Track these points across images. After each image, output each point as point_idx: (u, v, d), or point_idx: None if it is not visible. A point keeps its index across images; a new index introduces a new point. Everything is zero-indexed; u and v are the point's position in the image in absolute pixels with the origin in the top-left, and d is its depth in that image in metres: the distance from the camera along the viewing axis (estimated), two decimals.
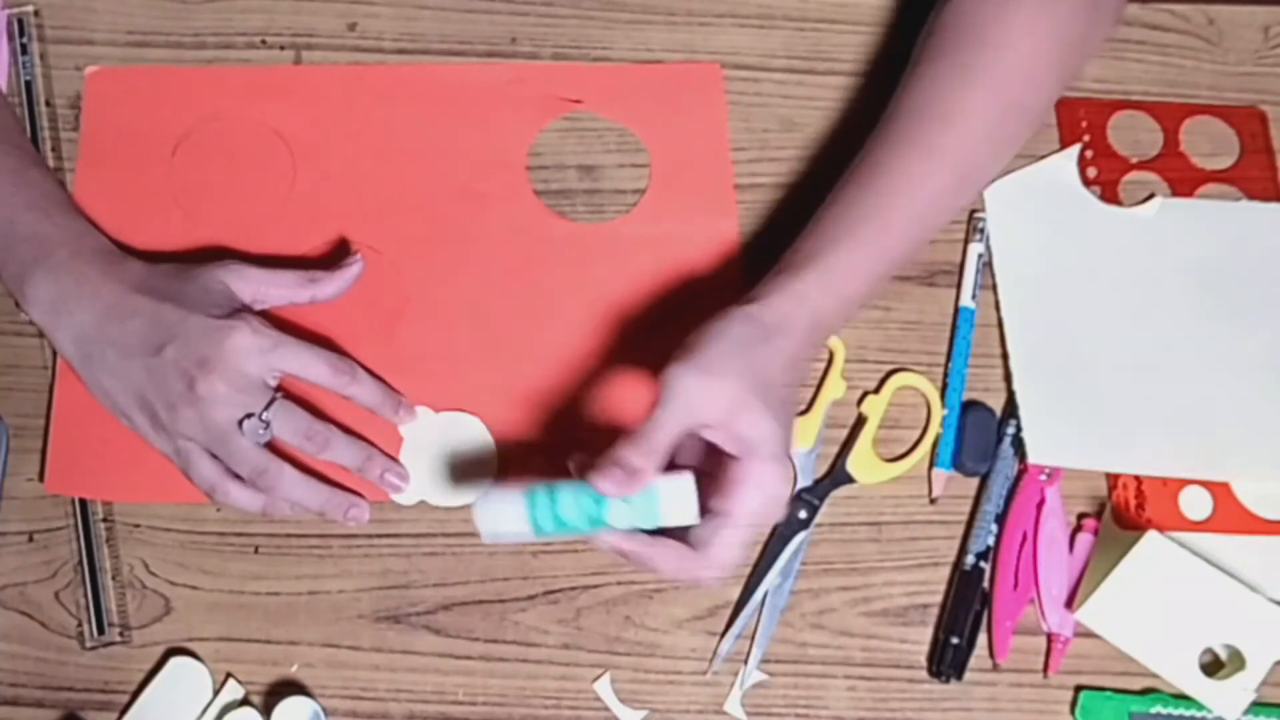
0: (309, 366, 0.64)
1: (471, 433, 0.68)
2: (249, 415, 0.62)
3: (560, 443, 0.68)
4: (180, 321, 0.62)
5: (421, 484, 0.67)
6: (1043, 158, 0.75)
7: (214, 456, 0.63)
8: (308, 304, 0.67)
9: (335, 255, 0.71)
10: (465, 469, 0.68)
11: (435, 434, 0.68)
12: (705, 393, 0.57)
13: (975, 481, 0.69)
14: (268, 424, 0.62)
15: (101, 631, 0.65)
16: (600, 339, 0.71)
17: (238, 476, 0.63)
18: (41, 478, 0.67)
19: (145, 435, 0.64)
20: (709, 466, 0.59)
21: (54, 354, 0.68)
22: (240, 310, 0.64)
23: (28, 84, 0.74)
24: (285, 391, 0.64)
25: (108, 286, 0.64)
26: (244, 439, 0.62)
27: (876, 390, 0.71)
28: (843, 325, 0.68)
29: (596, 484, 0.55)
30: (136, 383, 0.63)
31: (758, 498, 0.57)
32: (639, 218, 0.73)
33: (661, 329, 0.69)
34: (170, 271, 0.66)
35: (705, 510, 0.57)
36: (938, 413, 0.70)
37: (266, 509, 0.64)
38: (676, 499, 0.56)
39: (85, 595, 0.65)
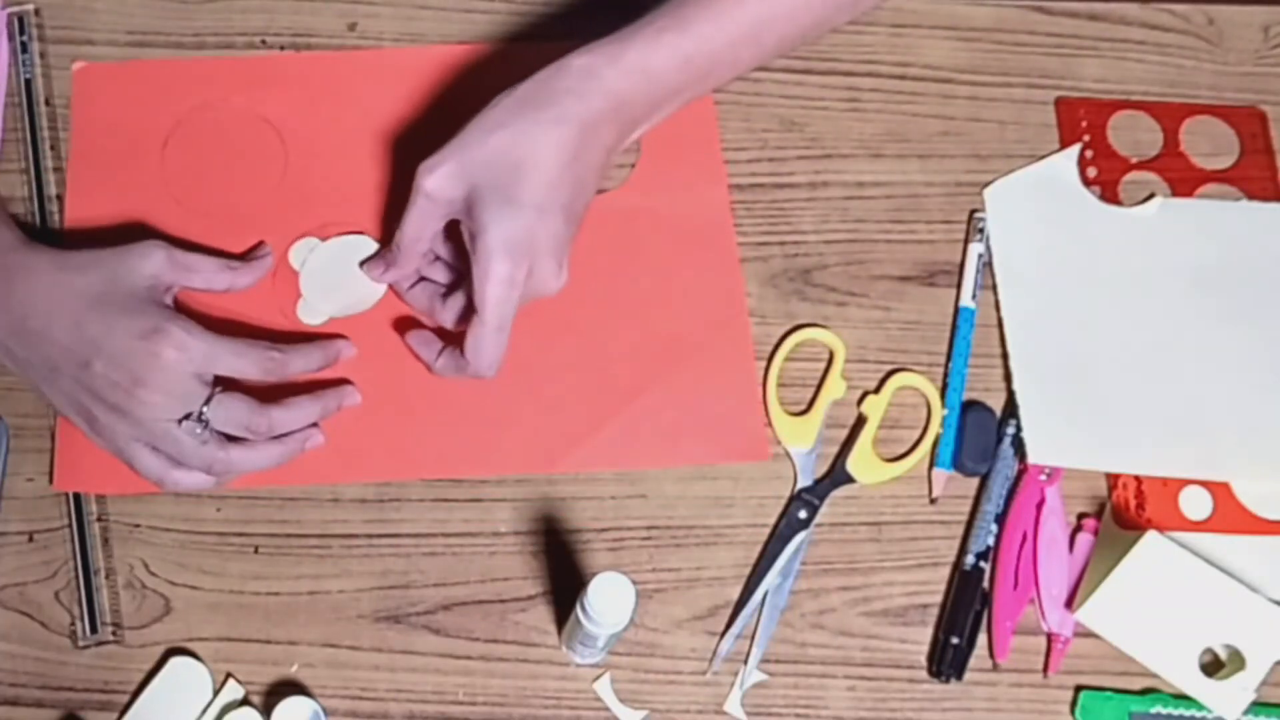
0: (239, 369, 0.63)
1: (364, 252, 0.70)
2: (187, 416, 0.62)
3: (549, 411, 0.69)
4: (105, 335, 0.61)
5: (327, 307, 0.70)
6: (1043, 158, 0.76)
7: (156, 449, 0.63)
8: (224, 291, 0.67)
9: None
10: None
11: (330, 262, 0.70)
12: (442, 186, 0.61)
13: (975, 481, 0.69)
14: (206, 422, 0.62)
15: (94, 630, 0.65)
16: (592, 309, 0.71)
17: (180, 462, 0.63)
18: (51, 478, 0.67)
19: (86, 434, 0.64)
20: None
21: None
22: (165, 313, 0.63)
23: (27, 82, 0.74)
24: (224, 384, 0.63)
25: (15, 303, 0.62)
26: (185, 438, 0.62)
27: (876, 390, 0.71)
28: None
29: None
30: (68, 391, 0.62)
31: (494, 290, 0.60)
32: (630, 191, 0.73)
33: (653, 298, 0.71)
34: (85, 266, 0.63)
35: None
36: (938, 413, 0.70)
37: (218, 484, 0.64)
38: None
39: (79, 594, 0.65)
